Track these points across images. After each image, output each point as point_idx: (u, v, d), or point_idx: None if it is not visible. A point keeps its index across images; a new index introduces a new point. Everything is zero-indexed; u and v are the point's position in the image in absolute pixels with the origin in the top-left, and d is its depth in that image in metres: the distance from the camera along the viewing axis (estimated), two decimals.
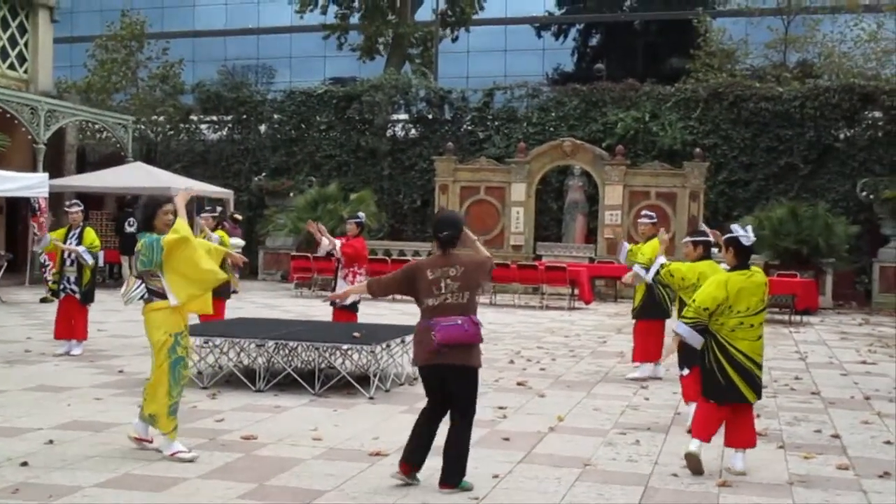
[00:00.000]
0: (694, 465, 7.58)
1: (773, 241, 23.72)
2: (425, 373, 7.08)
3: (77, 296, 13.50)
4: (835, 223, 24.11)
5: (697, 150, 26.47)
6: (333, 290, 13.47)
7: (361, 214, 13.80)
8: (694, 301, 7.76)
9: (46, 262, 18.15)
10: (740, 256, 7.81)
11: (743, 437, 7.79)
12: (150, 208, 8.01)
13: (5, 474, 7.04)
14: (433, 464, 7.40)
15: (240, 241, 14.65)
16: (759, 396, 7.82)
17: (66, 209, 14.10)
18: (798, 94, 27.98)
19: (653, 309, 12.45)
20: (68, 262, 13.54)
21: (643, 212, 13.72)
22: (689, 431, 8.17)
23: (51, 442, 8.10)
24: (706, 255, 9.57)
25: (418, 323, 7.12)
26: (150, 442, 7.93)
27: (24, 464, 7.33)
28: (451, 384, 6.93)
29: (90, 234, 13.58)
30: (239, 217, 26.71)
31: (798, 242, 23.43)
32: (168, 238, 7.74)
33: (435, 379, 6.99)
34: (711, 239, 9.69)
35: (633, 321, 12.84)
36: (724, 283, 7.67)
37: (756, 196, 27.82)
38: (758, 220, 23.56)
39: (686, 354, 9.17)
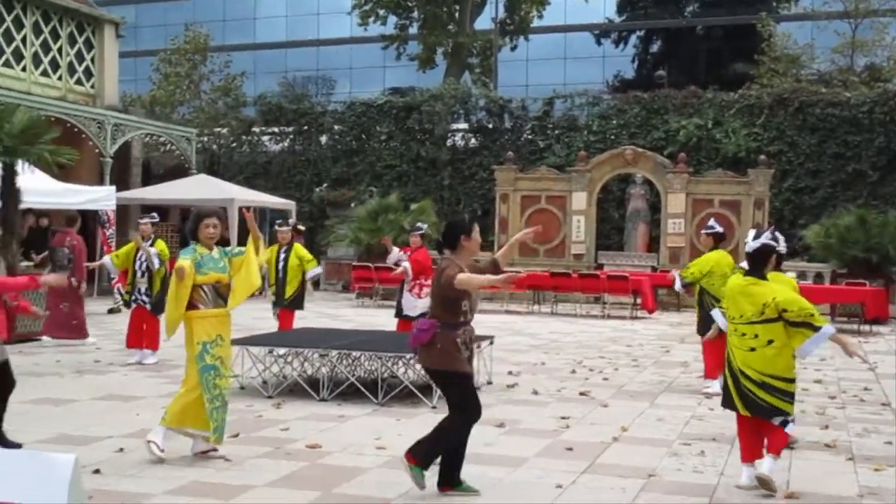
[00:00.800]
0: (765, 486, 7.23)
1: (841, 250, 23.35)
2: None
3: (147, 306, 13.74)
4: None
5: (762, 157, 26.19)
6: (399, 302, 13.60)
7: (424, 225, 13.90)
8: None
9: (113, 275, 18.46)
10: (749, 262, 7.49)
11: (770, 440, 7.36)
12: (193, 221, 8.26)
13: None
14: (495, 473, 7.42)
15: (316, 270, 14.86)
16: (755, 414, 7.28)
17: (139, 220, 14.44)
18: (866, 99, 27.60)
19: (706, 325, 12.36)
20: (139, 274, 13.82)
21: (708, 223, 13.42)
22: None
23: (121, 450, 8.23)
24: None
25: None
26: (215, 451, 8.04)
27: (97, 471, 7.45)
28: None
29: (159, 245, 13.84)
30: (302, 228, 26.89)
31: (867, 250, 23.04)
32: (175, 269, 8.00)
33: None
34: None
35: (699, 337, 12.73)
36: (731, 279, 7.73)
37: (823, 203, 27.47)
38: (825, 227, 23.28)
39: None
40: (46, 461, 4.27)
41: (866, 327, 20.41)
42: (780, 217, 27.14)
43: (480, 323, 14.55)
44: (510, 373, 13.13)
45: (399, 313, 13.62)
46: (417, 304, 13.31)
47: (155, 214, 14.69)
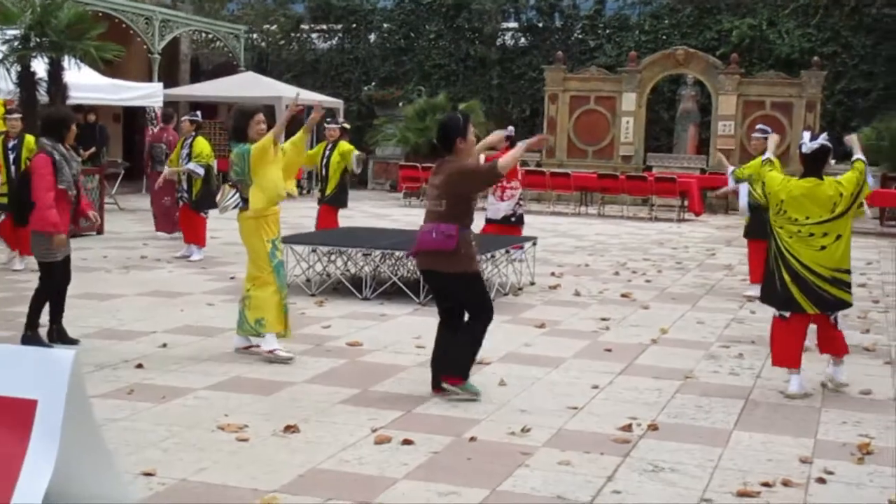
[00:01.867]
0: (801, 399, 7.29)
1: (893, 153, 22.97)
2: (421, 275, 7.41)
3: (189, 203, 13.91)
4: None
5: (815, 58, 25.65)
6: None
7: (511, 128, 13.74)
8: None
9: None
10: (805, 164, 7.48)
11: (831, 345, 7.57)
12: (241, 119, 8.08)
13: (121, 375, 7.34)
14: (533, 373, 7.50)
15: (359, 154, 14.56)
16: (822, 310, 7.38)
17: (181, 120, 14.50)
18: None
19: (759, 228, 12.26)
20: (182, 173, 13.96)
21: (758, 126, 13.27)
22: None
23: (164, 345, 8.40)
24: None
25: None
26: (258, 346, 8.14)
27: (139, 366, 7.62)
28: (442, 290, 7.09)
29: (199, 144, 13.92)
30: (348, 126, 26.80)
31: None
32: (257, 143, 7.89)
33: (426, 282, 7.43)
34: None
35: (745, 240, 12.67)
36: (785, 181, 7.50)
37: (876, 106, 26.88)
38: (877, 130, 22.88)
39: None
40: (46, 357, 4.36)
41: None
42: (833, 119, 26.65)
43: (527, 225, 14.61)
44: (553, 274, 13.18)
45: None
46: (501, 206, 13.40)
47: (198, 113, 14.76)
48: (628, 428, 6.36)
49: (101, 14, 23.17)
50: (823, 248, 7.30)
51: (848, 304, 7.52)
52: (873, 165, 23.56)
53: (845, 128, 24.84)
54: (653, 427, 6.42)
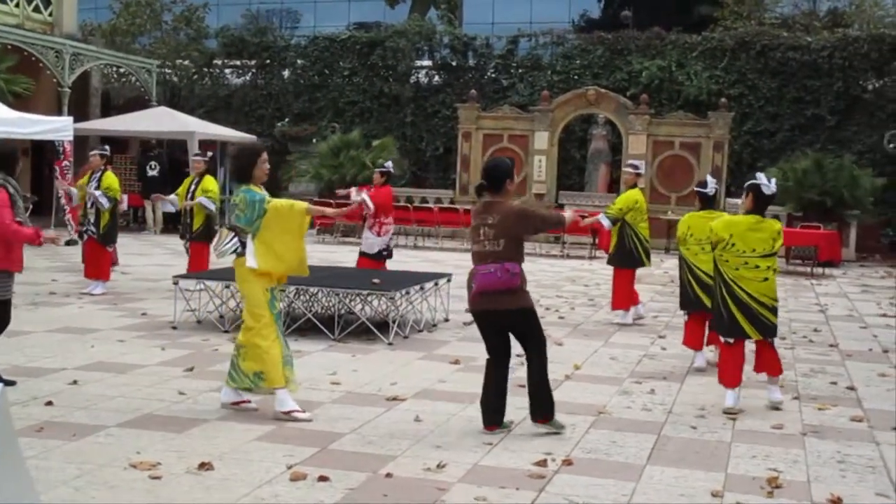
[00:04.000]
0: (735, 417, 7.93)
1: (798, 193, 23.58)
2: (474, 317, 7.43)
3: (96, 237, 13.71)
4: (860, 175, 23.91)
5: (723, 100, 26.26)
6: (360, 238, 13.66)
7: (388, 164, 13.82)
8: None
9: (65, 206, 18.35)
10: (758, 203, 8.21)
11: (770, 365, 8.45)
12: (247, 157, 7.62)
13: (31, 413, 7.19)
14: (448, 409, 7.53)
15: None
16: (764, 336, 8.29)
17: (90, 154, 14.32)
18: (827, 44, 27.69)
19: (623, 257, 12.98)
20: (88, 205, 13.80)
21: (629, 161, 14.68)
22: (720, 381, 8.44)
23: (75, 382, 8.25)
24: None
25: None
26: (249, 402, 7.64)
27: (49, 403, 7.47)
28: (504, 327, 7.22)
29: (108, 178, 13.77)
30: None
31: (822, 194, 23.29)
32: (279, 204, 7.45)
33: (482, 323, 7.31)
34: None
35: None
36: (728, 221, 8.31)
37: (781, 147, 27.61)
38: (782, 171, 23.44)
39: (686, 300, 10.15)
40: None
41: (819, 270, 20.68)
42: (739, 160, 27.32)
43: (441, 262, 14.69)
44: (467, 310, 13.20)
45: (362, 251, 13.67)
46: (376, 241, 13.33)
47: (107, 147, 14.61)
48: (543, 463, 6.41)
49: (10, 47, 22.84)
50: (766, 279, 8.17)
51: (776, 327, 8.45)
52: (779, 206, 24.24)
53: (752, 168, 25.46)
54: (567, 462, 6.48)
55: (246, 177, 7.53)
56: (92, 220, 13.79)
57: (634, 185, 13.07)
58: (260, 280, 7.43)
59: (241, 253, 7.53)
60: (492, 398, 7.24)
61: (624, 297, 12.92)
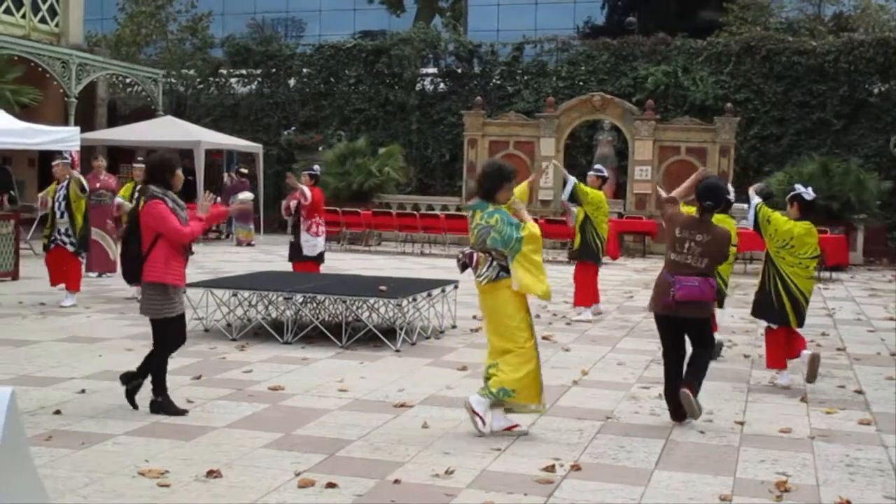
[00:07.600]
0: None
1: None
2: (660, 321, 7.89)
3: (69, 247, 13.55)
4: (867, 179, 23.89)
5: (728, 104, 26.27)
6: (296, 241, 13.97)
7: (316, 167, 14.55)
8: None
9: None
10: (805, 210, 9.20)
11: (794, 352, 9.33)
12: (496, 181, 7.33)
13: (40, 421, 7.20)
14: (455, 415, 7.53)
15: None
16: (799, 325, 9.35)
17: (59, 160, 14.16)
18: (832, 48, 27.69)
19: (587, 252, 13.60)
20: (59, 215, 13.60)
21: (595, 165, 15.55)
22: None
23: (83, 391, 8.27)
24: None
25: (660, 273, 7.92)
26: (518, 426, 7.40)
27: (58, 412, 7.49)
28: (686, 331, 7.81)
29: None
30: (245, 171, 26.61)
31: (828, 198, 23.21)
32: (530, 233, 7.29)
33: (668, 327, 7.83)
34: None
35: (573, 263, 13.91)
36: (789, 223, 9.12)
37: (788, 151, 27.63)
38: (788, 175, 23.43)
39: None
40: None
41: (826, 274, 20.64)
42: (746, 164, 27.33)
43: (447, 269, 14.64)
44: (474, 317, 13.21)
45: (297, 256, 14.00)
46: (318, 242, 14.04)
47: (67, 155, 14.55)
48: (551, 468, 6.41)
49: (17, 58, 22.91)
50: (811, 277, 9.37)
51: None
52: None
53: (758, 172, 25.48)
54: (575, 467, 6.48)
55: (490, 197, 7.35)
56: (64, 230, 13.57)
57: (599, 188, 13.64)
58: (521, 301, 7.37)
59: (499, 276, 7.29)
60: (674, 393, 7.75)
61: (588, 293, 13.56)
